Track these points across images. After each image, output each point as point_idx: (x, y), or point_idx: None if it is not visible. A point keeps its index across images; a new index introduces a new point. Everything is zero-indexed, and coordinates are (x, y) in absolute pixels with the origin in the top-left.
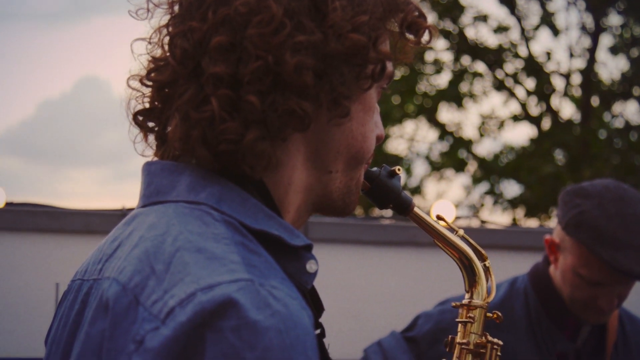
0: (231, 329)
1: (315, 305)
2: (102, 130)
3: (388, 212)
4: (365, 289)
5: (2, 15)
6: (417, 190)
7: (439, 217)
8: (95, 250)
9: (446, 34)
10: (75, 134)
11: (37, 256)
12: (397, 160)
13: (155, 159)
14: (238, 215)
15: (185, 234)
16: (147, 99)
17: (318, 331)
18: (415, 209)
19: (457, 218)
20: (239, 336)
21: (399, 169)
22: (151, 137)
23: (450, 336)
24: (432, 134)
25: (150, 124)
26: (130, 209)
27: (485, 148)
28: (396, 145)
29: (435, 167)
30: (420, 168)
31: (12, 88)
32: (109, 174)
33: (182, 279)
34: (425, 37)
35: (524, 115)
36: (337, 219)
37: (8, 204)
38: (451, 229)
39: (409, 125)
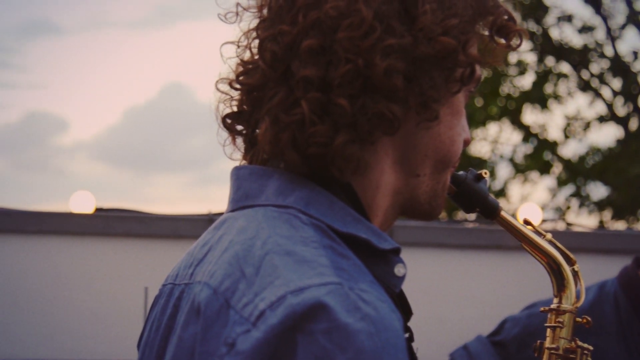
0: (322, 331)
1: (404, 309)
2: (186, 135)
3: (472, 216)
4: (450, 292)
5: (90, 24)
6: (501, 193)
7: (526, 222)
8: (185, 254)
9: (530, 35)
10: (160, 140)
11: (126, 261)
12: (480, 163)
13: (244, 162)
14: (326, 218)
15: (274, 238)
16: (235, 103)
17: (407, 335)
18: (502, 213)
19: (543, 221)
20: (330, 339)
21: (485, 173)
22: (239, 140)
23: (539, 341)
24: (516, 136)
25: (239, 127)
26: (217, 214)
27: (571, 150)
28: (479, 148)
29: (520, 169)
30: (504, 171)
31: (99, 95)
32: (193, 178)
33: (272, 282)
34: (515, 40)
35: (610, 116)
36: (421, 222)
37: (98, 210)
38: (538, 233)
39: (492, 128)
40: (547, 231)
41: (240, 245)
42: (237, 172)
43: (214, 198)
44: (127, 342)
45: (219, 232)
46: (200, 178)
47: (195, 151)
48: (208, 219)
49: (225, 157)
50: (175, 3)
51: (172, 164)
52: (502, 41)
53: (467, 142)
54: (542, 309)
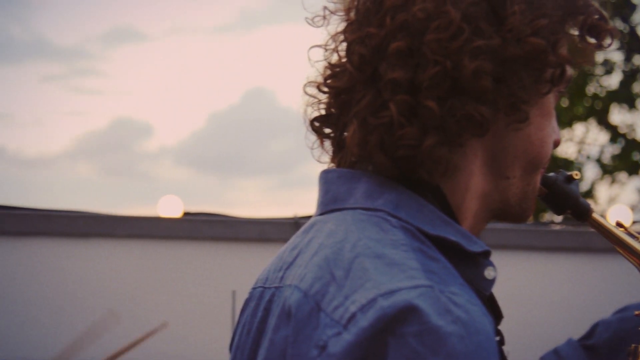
0: (413, 334)
1: (494, 312)
2: (269, 139)
3: (559, 218)
4: (538, 295)
5: (173, 31)
6: (588, 195)
7: (619, 224)
8: (275, 258)
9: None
10: (243, 144)
11: (213, 264)
12: (566, 164)
13: (332, 165)
14: (415, 221)
15: (364, 241)
16: (323, 106)
17: (498, 338)
18: (594, 215)
19: (633, 222)
20: (421, 342)
21: (576, 174)
22: (327, 143)
23: (633, 345)
24: (603, 137)
25: (327, 130)
26: (303, 217)
27: None
28: (565, 149)
29: (607, 170)
30: (591, 172)
31: (183, 101)
32: (276, 182)
33: (363, 284)
34: (607, 40)
35: None
36: (508, 224)
37: (185, 214)
38: (631, 235)
39: (578, 128)
40: (638, 232)
41: (330, 248)
42: (325, 176)
43: (298, 201)
44: (215, 344)
45: (308, 235)
46: (283, 182)
47: (278, 155)
48: (294, 222)
49: (308, 161)
50: (257, 8)
51: (255, 168)
52: (593, 41)
53: (557, 144)
54: (636, 312)
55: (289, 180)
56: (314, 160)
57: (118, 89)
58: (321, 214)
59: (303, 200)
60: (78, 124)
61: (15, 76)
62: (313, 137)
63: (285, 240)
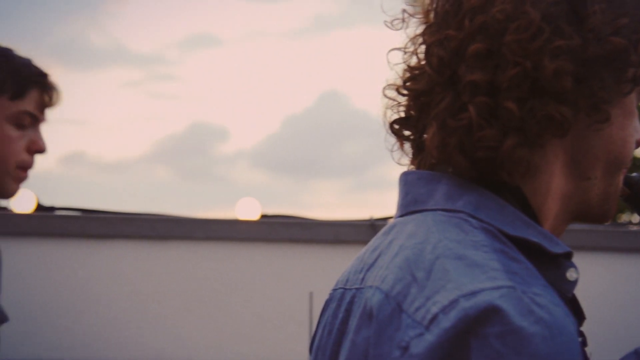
0: (496, 335)
1: (577, 313)
2: (343, 142)
3: (637, 218)
4: (617, 296)
5: (248, 36)
6: None
7: None
8: (355, 259)
9: None
10: (318, 147)
11: (290, 265)
12: None
13: (412, 167)
14: (496, 222)
15: (444, 242)
16: (402, 108)
17: (580, 339)
18: None
19: None
20: (504, 342)
21: None
22: (407, 145)
23: None
24: None
25: (406, 133)
26: (378, 219)
27: None
28: None
29: None
30: None
31: (258, 104)
32: (350, 184)
33: (444, 285)
34: None
35: None
36: (585, 225)
37: (263, 216)
38: None
39: None
40: None
41: (411, 249)
42: (405, 178)
43: (372, 203)
44: (292, 345)
45: (388, 237)
46: (358, 183)
47: (352, 157)
48: (369, 224)
49: (382, 163)
50: (330, 13)
51: (330, 171)
52: None
53: (639, 144)
54: None
55: (363, 182)
56: (388, 162)
57: (195, 93)
58: (401, 216)
59: (378, 202)
60: (156, 129)
61: (96, 82)
62: (392, 140)
63: (361, 242)
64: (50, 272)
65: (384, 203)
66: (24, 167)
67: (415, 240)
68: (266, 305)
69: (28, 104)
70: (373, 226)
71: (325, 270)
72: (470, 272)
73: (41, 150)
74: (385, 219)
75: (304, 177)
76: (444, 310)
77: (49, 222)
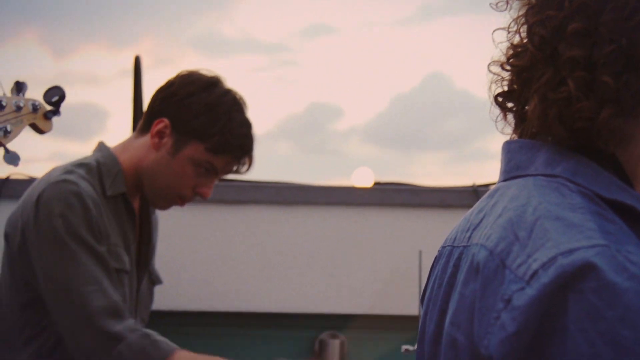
0: (591, 290)
1: None
2: (445, 118)
3: None
4: None
5: (361, 24)
6: None
7: None
8: (462, 220)
9: None
10: (422, 123)
11: (401, 227)
12: None
13: (514, 136)
14: (592, 186)
15: (544, 204)
16: (506, 83)
17: None
18: None
19: None
20: (599, 297)
21: None
22: (510, 117)
23: None
24: None
25: (509, 105)
26: (480, 186)
27: None
28: None
29: None
30: None
31: (369, 86)
32: (451, 156)
33: (544, 244)
34: None
35: None
36: None
37: (376, 184)
38: None
39: None
40: None
41: (513, 211)
42: (508, 146)
43: (472, 173)
44: (402, 298)
45: (492, 199)
46: (459, 155)
47: (453, 133)
48: (472, 190)
49: (481, 137)
50: (435, 2)
51: (434, 144)
52: None
53: None
54: None
55: (464, 155)
56: (487, 137)
57: (313, 77)
58: (504, 181)
59: (477, 172)
60: (279, 109)
61: (228, 69)
62: (496, 111)
63: (464, 206)
64: (192, 233)
65: (483, 173)
66: (182, 199)
67: (518, 202)
68: (379, 263)
69: (218, 161)
70: (475, 192)
71: (432, 232)
72: (568, 231)
73: (204, 196)
74: (486, 185)
75: (411, 150)
76: (544, 266)
77: None
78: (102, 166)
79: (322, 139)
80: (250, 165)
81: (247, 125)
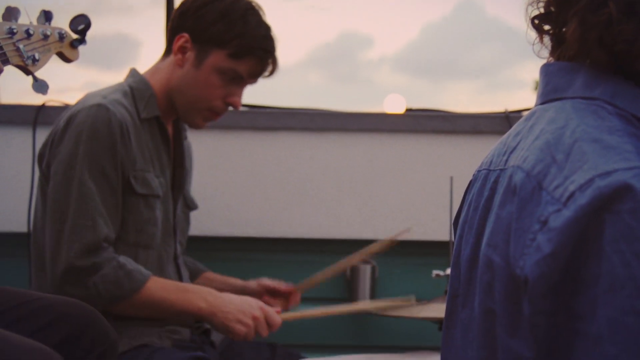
0: (628, 211)
1: None
2: (476, 47)
3: None
4: None
5: None
6: None
7: None
8: (498, 143)
9: None
10: (453, 52)
11: (433, 153)
12: None
13: (551, 59)
14: (630, 109)
15: (582, 127)
16: (542, 4)
17: None
18: None
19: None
20: (635, 217)
21: None
22: (546, 40)
23: None
24: None
25: (546, 27)
26: (512, 112)
27: None
28: None
29: None
30: None
31: (400, 15)
32: (482, 85)
33: (581, 166)
34: None
35: None
36: None
37: (408, 110)
38: None
39: None
40: None
41: (551, 134)
42: (546, 69)
43: (503, 101)
44: (434, 223)
45: (529, 122)
46: (490, 84)
47: (485, 61)
48: (504, 116)
49: (511, 65)
50: None
51: (465, 72)
52: None
53: None
54: None
55: (495, 83)
56: (517, 65)
57: (345, 5)
58: (542, 103)
59: (508, 100)
60: (310, 38)
61: None
62: (533, 35)
63: (496, 132)
64: (225, 159)
65: (513, 100)
66: (215, 112)
67: (556, 125)
68: (411, 188)
69: (242, 66)
70: (507, 118)
71: (464, 158)
72: (605, 154)
73: (235, 106)
74: (518, 112)
75: (441, 78)
76: (581, 188)
77: (223, 116)
78: (135, 91)
79: (352, 69)
80: (274, 67)
81: (264, 27)
